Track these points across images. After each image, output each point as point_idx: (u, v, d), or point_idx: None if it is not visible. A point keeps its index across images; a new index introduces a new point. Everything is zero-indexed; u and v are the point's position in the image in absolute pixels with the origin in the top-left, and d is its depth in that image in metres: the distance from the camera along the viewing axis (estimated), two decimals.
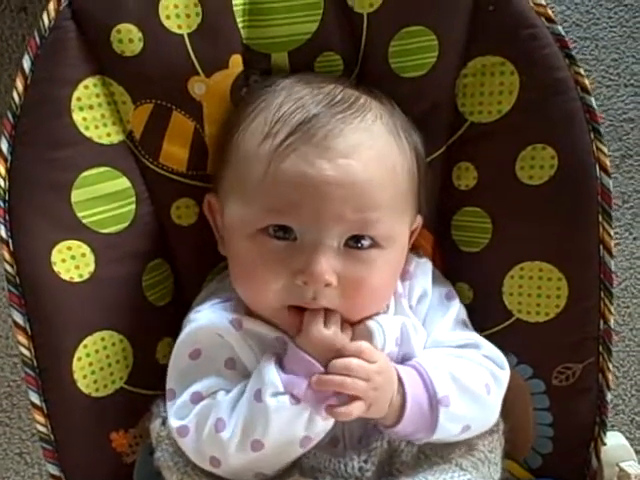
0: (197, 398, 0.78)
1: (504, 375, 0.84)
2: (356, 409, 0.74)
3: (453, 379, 0.79)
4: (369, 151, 0.76)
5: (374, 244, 0.78)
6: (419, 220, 0.86)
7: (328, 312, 0.77)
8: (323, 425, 0.75)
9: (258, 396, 0.75)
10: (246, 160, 0.79)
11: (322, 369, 0.74)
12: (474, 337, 0.86)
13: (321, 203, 0.74)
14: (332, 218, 0.75)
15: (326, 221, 0.75)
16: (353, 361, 0.74)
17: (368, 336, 0.78)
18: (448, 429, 0.78)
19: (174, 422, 0.78)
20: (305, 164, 0.74)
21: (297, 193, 0.75)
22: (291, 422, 0.74)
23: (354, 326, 0.79)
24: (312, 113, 0.76)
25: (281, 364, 0.77)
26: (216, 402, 0.77)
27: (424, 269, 0.88)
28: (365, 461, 0.78)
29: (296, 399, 0.74)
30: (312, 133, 0.75)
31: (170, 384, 0.81)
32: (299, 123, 0.76)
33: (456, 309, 0.88)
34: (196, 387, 0.79)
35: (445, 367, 0.80)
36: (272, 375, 0.75)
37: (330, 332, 0.76)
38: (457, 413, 0.78)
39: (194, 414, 0.77)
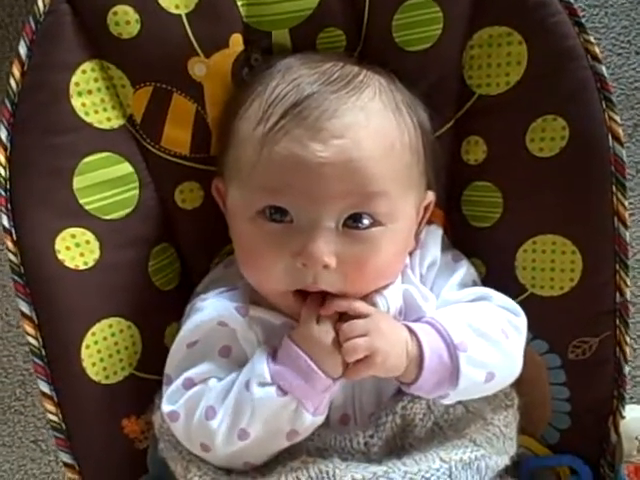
0: (189, 384, 0.79)
1: (520, 322, 0.83)
2: (367, 365, 0.73)
3: (468, 325, 0.79)
4: (364, 130, 0.75)
5: (375, 222, 0.76)
6: (431, 196, 0.85)
7: (328, 301, 0.76)
8: (310, 420, 0.75)
9: (247, 386, 0.75)
10: (242, 144, 0.78)
11: (310, 363, 0.74)
12: (484, 290, 0.85)
13: (315, 183, 0.73)
14: (327, 198, 0.74)
15: (321, 201, 0.74)
16: (343, 325, 0.75)
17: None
18: (472, 376, 0.77)
19: (165, 407, 0.79)
20: (298, 146, 0.73)
21: (289, 174, 0.74)
22: (276, 414, 0.74)
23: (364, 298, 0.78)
24: (305, 94, 0.75)
25: (275, 356, 0.76)
26: (207, 389, 0.78)
27: (434, 236, 0.87)
28: (371, 436, 0.79)
29: (283, 391, 0.74)
30: (305, 115, 0.74)
31: (167, 369, 0.82)
32: (291, 105, 0.74)
33: (464, 270, 0.87)
34: (189, 373, 0.79)
35: (457, 316, 0.80)
36: (261, 366, 0.75)
37: (321, 329, 0.75)
38: (477, 358, 0.77)
39: (184, 400, 0.78)
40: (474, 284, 0.87)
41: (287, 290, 0.77)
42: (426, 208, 0.85)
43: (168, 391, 0.80)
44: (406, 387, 0.77)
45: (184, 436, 0.78)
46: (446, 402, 0.79)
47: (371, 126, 0.75)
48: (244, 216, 0.78)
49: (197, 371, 0.79)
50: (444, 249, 0.88)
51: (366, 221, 0.76)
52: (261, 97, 0.78)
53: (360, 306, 0.76)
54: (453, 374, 0.76)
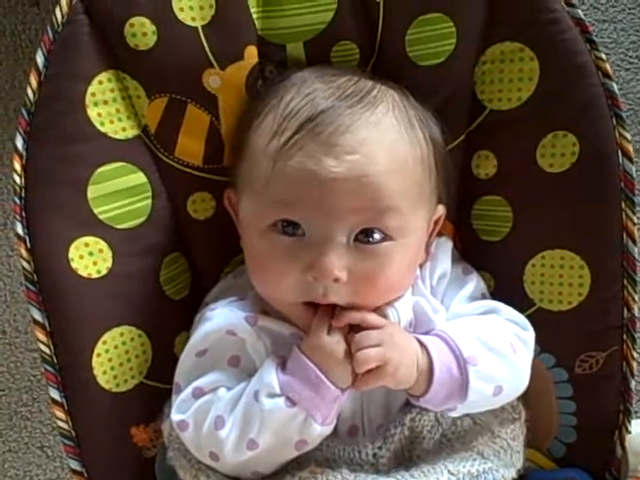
0: (199, 393, 0.79)
1: (528, 336, 0.83)
2: (378, 376, 0.73)
3: (477, 339, 0.79)
4: (377, 145, 0.75)
5: (386, 237, 0.76)
6: (441, 210, 0.85)
7: (340, 313, 0.76)
8: (319, 430, 0.75)
9: (256, 396, 0.75)
10: (255, 158, 0.78)
11: (319, 374, 0.74)
12: (493, 303, 0.85)
13: (327, 198, 0.74)
14: (339, 213, 0.74)
15: (333, 216, 0.74)
16: (355, 335, 0.75)
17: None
18: (481, 390, 0.77)
19: (175, 416, 0.79)
20: (311, 162, 0.73)
21: (303, 189, 0.74)
22: (285, 425, 0.74)
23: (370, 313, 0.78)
24: (320, 109, 0.75)
25: (284, 366, 0.77)
26: (216, 398, 0.78)
27: (444, 249, 0.87)
28: (379, 447, 0.78)
29: (292, 402, 0.74)
30: (319, 130, 0.74)
31: (177, 378, 0.82)
32: (306, 120, 0.75)
33: (474, 283, 0.87)
34: (198, 382, 0.79)
35: (467, 330, 0.80)
36: (270, 376, 0.75)
37: (332, 340, 0.75)
38: (486, 372, 0.77)
39: (194, 409, 0.78)
40: (483, 297, 0.88)
41: (297, 302, 0.77)
42: (436, 222, 0.85)
43: (177, 400, 0.80)
44: (415, 400, 0.78)
45: (193, 445, 0.78)
46: (453, 415, 0.79)
47: (384, 142, 0.76)
48: (256, 228, 0.78)
49: (206, 380, 0.79)
50: (454, 261, 0.88)
51: (377, 236, 0.76)
52: (275, 111, 0.78)
53: (372, 318, 0.77)
54: (462, 388, 0.76)
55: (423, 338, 0.78)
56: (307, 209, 0.74)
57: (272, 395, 0.75)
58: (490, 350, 0.79)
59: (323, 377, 0.74)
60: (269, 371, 0.76)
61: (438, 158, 0.82)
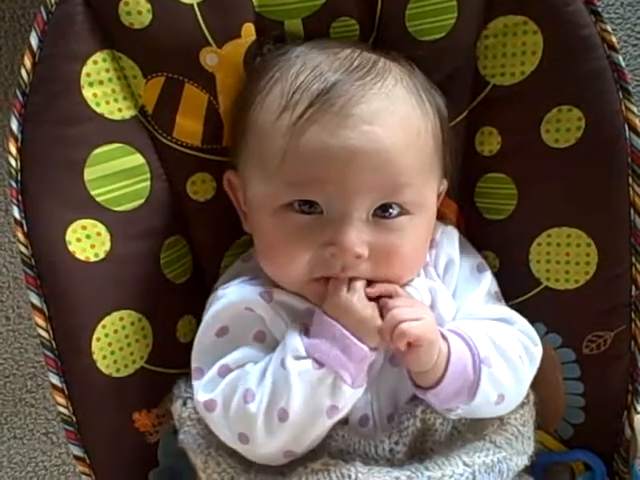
0: (225, 371, 0.77)
1: (537, 351, 0.82)
2: (416, 327, 0.72)
3: (492, 342, 0.78)
4: (392, 116, 0.74)
5: (403, 211, 0.76)
6: (445, 184, 0.85)
7: (352, 278, 0.76)
8: (350, 393, 0.74)
9: (283, 363, 0.74)
10: (264, 135, 0.77)
11: (345, 332, 0.73)
12: (508, 312, 0.84)
13: (346, 175, 0.73)
14: (358, 189, 0.73)
15: (352, 193, 0.73)
16: (394, 302, 0.74)
17: None
18: (487, 394, 0.76)
19: (201, 396, 0.77)
20: (327, 135, 0.72)
21: (321, 167, 0.73)
22: (314, 388, 0.73)
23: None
24: (331, 81, 0.74)
25: (307, 332, 0.76)
26: (244, 373, 0.76)
27: (450, 237, 0.86)
28: (396, 442, 0.77)
29: (319, 363, 0.73)
30: (332, 102, 0.73)
31: (196, 363, 0.80)
32: (318, 93, 0.74)
33: (488, 282, 0.86)
34: (224, 360, 0.78)
35: (483, 331, 0.79)
36: (295, 341, 0.75)
37: (354, 297, 0.74)
38: (497, 377, 0.76)
39: (222, 386, 0.76)
40: (496, 295, 0.86)
41: (311, 279, 0.76)
42: (438, 196, 0.84)
43: (203, 381, 0.78)
44: (422, 392, 0.76)
45: (222, 426, 0.76)
46: (451, 416, 0.78)
47: (397, 113, 0.75)
48: (267, 209, 0.77)
49: (233, 357, 0.78)
50: (467, 255, 0.87)
51: (395, 210, 0.76)
52: (282, 84, 0.77)
53: (405, 293, 0.76)
54: (472, 387, 0.75)
55: (442, 329, 0.76)
56: (326, 188, 0.74)
57: (298, 358, 0.73)
58: (503, 356, 0.78)
59: (348, 334, 0.73)
60: (293, 336, 0.75)
61: (444, 129, 0.82)
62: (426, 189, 0.79)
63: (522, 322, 0.83)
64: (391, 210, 0.76)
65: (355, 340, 0.73)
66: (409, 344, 0.72)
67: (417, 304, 0.76)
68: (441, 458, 0.76)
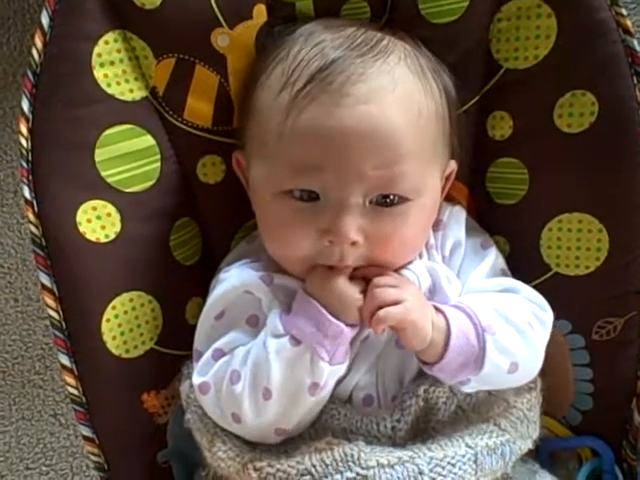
0: (218, 354, 0.78)
1: (547, 317, 0.81)
2: (395, 312, 0.72)
3: (495, 311, 0.77)
4: (391, 95, 0.73)
5: (402, 198, 0.75)
6: (453, 165, 0.84)
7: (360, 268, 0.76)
8: (329, 370, 0.74)
9: (264, 343, 0.75)
10: (265, 113, 0.77)
11: (321, 308, 0.73)
12: (513, 282, 0.84)
13: (342, 161, 0.72)
14: (354, 176, 0.73)
15: (349, 180, 0.73)
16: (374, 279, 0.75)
17: None
18: (497, 362, 0.75)
19: (196, 379, 0.78)
20: (324, 115, 0.72)
21: (316, 148, 0.73)
22: (293, 365, 0.73)
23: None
24: (331, 58, 0.74)
25: (289, 311, 0.76)
26: (233, 356, 0.77)
27: (457, 218, 0.86)
28: (398, 420, 0.77)
29: (296, 340, 0.73)
30: (330, 80, 0.72)
31: (196, 345, 0.81)
32: (317, 70, 0.73)
33: (492, 257, 0.85)
34: (218, 344, 0.79)
35: (485, 302, 0.78)
36: (275, 319, 0.75)
37: (333, 276, 0.75)
38: (504, 344, 0.76)
39: (215, 370, 0.77)
40: (502, 273, 0.86)
41: (311, 265, 0.76)
42: (447, 178, 0.84)
43: (199, 364, 0.79)
44: (429, 368, 0.76)
45: (215, 409, 0.77)
46: (466, 389, 0.78)
47: (397, 91, 0.74)
48: (269, 192, 0.77)
49: (225, 341, 0.79)
50: (472, 232, 0.86)
51: (393, 198, 0.75)
52: (283, 63, 0.76)
53: (391, 274, 0.76)
54: (479, 357, 0.75)
55: (439, 305, 0.76)
56: (323, 175, 0.73)
57: (277, 336, 0.74)
58: (508, 323, 0.77)
59: (324, 311, 0.74)
60: (274, 316, 0.76)
61: (452, 111, 0.81)
62: (427, 174, 0.78)
63: (528, 290, 0.82)
64: (390, 198, 0.75)
65: (330, 317, 0.73)
66: (393, 327, 0.73)
67: (402, 284, 0.75)
68: (444, 439, 0.76)
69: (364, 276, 0.76)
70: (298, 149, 0.73)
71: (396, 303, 0.73)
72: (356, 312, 0.74)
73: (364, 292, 0.75)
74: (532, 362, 0.80)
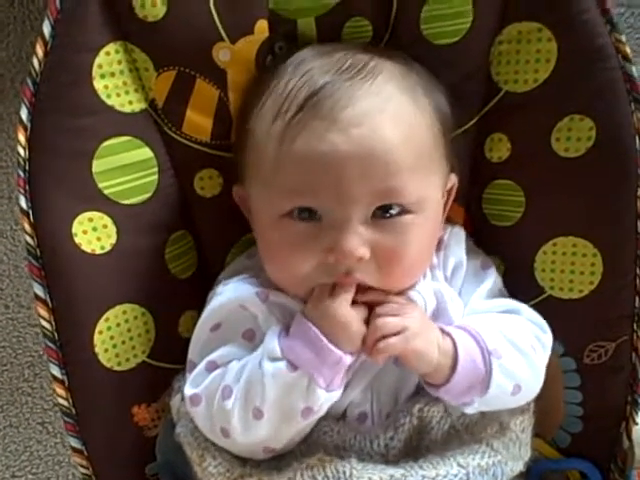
0: (212, 367, 0.78)
1: (547, 339, 0.82)
2: (394, 343, 0.72)
3: (500, 333, 0.78)
4: (381, 115, 0.73)
5: (404, 210, 0.75)
6: (454, 179, 0.84)
7: (366, 291, 0.76)
8: (324, 396, 0.73)
9: (260, 363, 0.74)
10: (261, 142, 0.77)
11: (320, 335, 0.73)
12: (513, 303, 0.84)
13: (339, 181, 0.72)
14: (353, 194, 0.73)
15: (347, 198, 0.73)
16: (377, 308, 0.74)
17: None
18: (502, 385, 0.76)
19: (188, 390, 0.78)
20: (316, 140, 0.72)
21: (313, 174, 0.73)
22: (288, 390, 0.73)
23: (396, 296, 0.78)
24: (319, 85, 0.74)
25: (288, 333, 0.76)
26: (227, 370, 0.77)
27: (458, 238, 0.86)
28: (391, 438, 0.77)
29: (293, 366, 0.73)
30: (320, 105, 0.73)
31: (190, 356, 0.81)
32: (307, 97, 0.73)
33: (492, 278, 0.85)
34: (212, 356, 0.78)
35: (490, 324, 0.79)
36: (272, 342, 0.75)
37: (334, 303, 0.74)
38: (509, 367, 0.76)
39: (207, 382, 0.77)
40: (500, 293, 0.86)
41: (314, 286, 0.76)
42: (449, 192, 0.84)
43: (192, 375, 0.79)
44: (434, 389, 0.76)
45: (205, 421, 0.77)
46: (469, 411, 0.77)
47: (388, 111, 0.74)
48: (270, 218, 0.77)
49: (220, 354, 0.78)
50: (472, 254, 0.86)
51: (395, 210, 0.75)
52: (274, 94, 0.77)
53: (396, 298, 0.76)
54: (485, 380, 0.75)
55: (445, 327, 0.76)
56: (321, 196, 0.73)
57: (274, 359, 0.74)
58: (513, 346, 0.78)
59: (323, 338, 0.73)
60: (271, 337, 0.75)
61: (445, 126, 0.81)
62: (426, 186, 0.77)
63: (529, 312, 0.83)
64: (391, 210, 0.75)
65: (329, 344, 0.73)
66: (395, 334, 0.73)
67: (405, 310, 0.75)
68: (436, 458, 0.76)
69: (366, 302, 0.76)
70: (294, 174, 0.74)
71: (398, 333, 0.72)
72: (357, 341, 0.74)
73: (366, 321, 0.75)
74: (534, 384, 0.80)
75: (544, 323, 0.82)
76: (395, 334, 0.72)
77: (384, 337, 0.72)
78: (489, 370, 0.75)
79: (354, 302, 0.75)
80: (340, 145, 0.72)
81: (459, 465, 0.74)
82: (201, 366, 0.78)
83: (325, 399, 0.74)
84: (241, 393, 0.74)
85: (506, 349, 0.77)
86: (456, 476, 0.74)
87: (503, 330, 0.78)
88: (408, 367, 0.75)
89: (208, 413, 0.76)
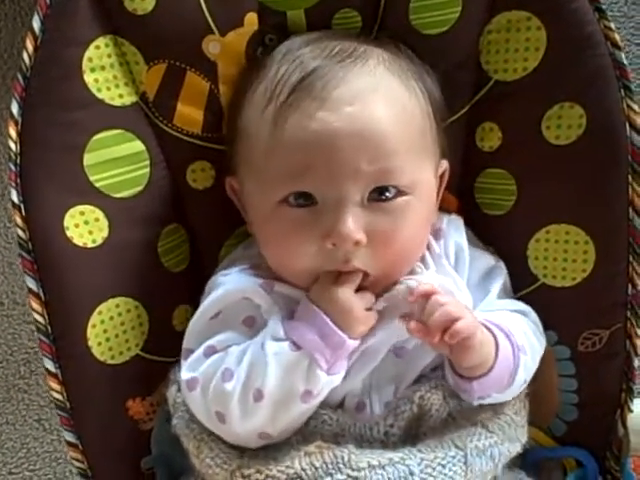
0: (210, 351, 0.78)
1: (544, 342, 0.84)
2: (469, 326, 0.72)
3: (523, 332, 0.80)
4: (374, 94, 0.74)
5: (399, 192, 0.76)
6: (445, 165, 0.84)
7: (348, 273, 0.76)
8: (325, 380, 0.74)
9: (262, 345, 0.75)
10: (253, 130, 0.78)
11: (325, 318, 0.74)
12: (522, 304, 0.85)
13: (333, 160, 0.72)
14: (348, 173, 0.73)
15: (343, 178, 0.73)
16: (436, 301, 0.73)
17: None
18: (520, 380, 0.79)
19: (185, 374, 0.78)
20: (308, 120, 0.72)
21: (306, 153, 0.73)
22: (289, 370, 0.73)
23: (394, 285, 0.78)
24: (311, 68, 0.75)
25: (292, 317, 0.77)
26: (227, 354, 0.77)
27: (456, 225, 0.86)
28: (391, 425, 0.78)
29: (296, 346, 0.73)
30: (312, 87, 0.73)
31: (187, 344, 0.81)
32: (299, 80, 0.74)
33: (499, 285, 0.85)
34: (211, 341, 0.78)
35: (514, 321, 0.80)
36: (276, 324, 0.75)
37: (340, 288, 0.75)
38: (528, 365, 0.79)
39: (205, 366, 0.77)
40: (510, 291, 0.87)
41: (317, 275, 0.77)
42: (442, 177, 0.84)
43: (189, 360, 0.79)
44: (466, 381, 0.76)
45: (200, 405, 0.77)
46: (480, 402, 0.78)
47: (380, 90, 0.75)
48: (266, 207, 0.77)
49: (219, 339, 0.78)
50: (477, 250, 0.87)
51: (390, 193, 0.75)
52: (266, 81, 0.77)
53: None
54: (512, 375, 0.77)
55: (487, 324, 0.77)
56: (316, 177, 0.73)
57: (277, 339, 0.74)
58: (530, 344, 0.80)
59: (328, 320, 0.74)
60: (275, 320, 0.76)
61: (436, 111, 0.81)
62: (421, 168, 0.78)
63: (534, 315, 0.85)
64: (387, 193, 0.75)
65: (334, 327, 0.74)
66: (456, 344, 0.72)
67: (458, 302, 0.76)
68: (434, 442, 0.76)
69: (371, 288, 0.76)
70: (287, 156, 0.74)
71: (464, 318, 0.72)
72: (361, 328, 0.75)
73: (370, 308, 0.76)
74: (528, 380, 0.82)
75: (540, 324, 0.85)
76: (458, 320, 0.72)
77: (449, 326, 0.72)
78: (517, 365, 0.76)
79: (359, 288, 0.76)
80: (332, 123, 0.72)
81: (457, 447, 0.75)
82: (199, 351, 0.78)
83: (325, 382, 0.74)
84: (243, 375, 0.74)
85: (528, 346, 0.79)
86: (454, 457, 0.74)
87: (524, 329, 0.80)
88: (457, 359, 0.74)
89: (204, 396, 0.76)
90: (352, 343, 0.75)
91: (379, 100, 0.74)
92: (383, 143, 0.73)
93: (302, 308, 0.76)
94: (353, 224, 0.73)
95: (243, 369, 0.74)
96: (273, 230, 0.78)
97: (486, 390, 0.77)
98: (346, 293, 0.75)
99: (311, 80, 0.73)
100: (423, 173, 0.78)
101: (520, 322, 0.82)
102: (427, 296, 0.73)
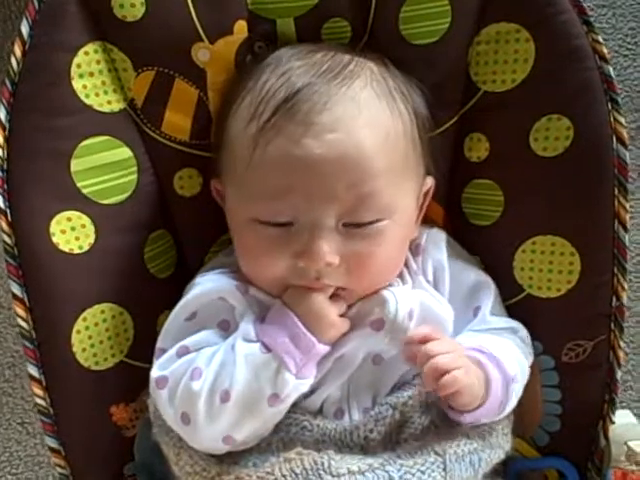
0: (183, 352, 0.78)
1: (532, 358, 0.85)
2: (461, 376, 0.72)
3: (516, 359, 0.80)
4: (356, 120, 0.74)
5: (377, 218, 0.76)
6: (430, 182, 0.84)
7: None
8: (293, 383, 0.74)
9: (233, 346, 0.75)
10: (235, 142, 0.78)
11: (296, 321, 0.74)
12: (512, 321, 0.86)
13: (312, 184, 0.73)
14: (325, 198, 0.73)
15: (320, 202, 0.73)
16: (428, 344, 0.73)
17: (381, 304, 0.77)
18: (511, 406, 0.80)
19: (155, 372, 0.78)
20: (291, 144, 0.73)
21: (287, 177, 0.73)
22: (258, 372, 0.73)
23: (368, 296, 0.78)
24: (296, 88, 0.74)
25: (264, 320, 0.77)
26: (199, 354, 0.77)
27: (435, 240, 0.86)
28: (371, 430, 0.78)
29: (267, 348, 0.74)
30: (296, 110, 0.73)
31: (160, 344, 0.80)
32: (283, 100, 0.74)
33: (489, 303, 0.85)
34: (185, 342, 0.78)
35: (506, 348, 0.81)
36: (248, 326, 0.76)
37: (313, 293, 0.75)
38: (518, 391, 0.80)
39: (176, 366, 0.77)
40: (501, 307, 0.87)
41: (286, 286, 0.77)
42: (426, 194, 0.84)
43: (160, 359, 0.78)
44: (457, 414, 0.77)
45: (167, 404, 0.76)
46: (464, 421, 0.78)
47: (363, 117, 0.74)
48: (242, 218, 0.77)
49: (193, 340, 0.78)
50: (462, 257, 0.87)
51: (367, 219, 0.75)
52: (252, 93, 0.77)
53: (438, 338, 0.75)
54: (502, 405, 0.78)
55: (481, 357, 0.77)
56: (293, 200, 0.74)
57: (248, 341, 0.75)
58: (522, 370, 0.81)
59: (299, 323, 0.74)
60: (247, 322, 0.77)
61: (422, 130, 0.81)
62: (399, 193, 0.78)
63: (523, 330, 0.86)
64: (364, 219, 0.75)
65: (305, 330, 0.74)
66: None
67: (452, 346, 0.76)
68: (414, 448, 0.76)
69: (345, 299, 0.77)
70: (268, 177, 0.74)
71: (458, 368, 0.72)
72: (332, 333, 0.75)
73: (342, 315, 0.76)
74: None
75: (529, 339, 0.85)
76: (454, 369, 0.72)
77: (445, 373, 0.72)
78: (509, 397, 0.78)
79: (335, 295, 0.77)
80: (314, 149, 0.72)
81: (436, 453, 0.75)
82: (172, 351, 0.78)
83: (293, 386, 0.74)
84: (211, 374, 0.74)
85: (520, 374, 0.80)
86: (433, 464, 0.74)
87: (516, 355, 0.81)
88: (451, 402, 0.75)
89: (172, 396, 0.76)
90: (322, 347, 0.75)
91: (362, 126, 0.74)
92: (362, 169, 0.73)
93: (275, 311, 0.77)
94: (327, 247, 0.73)
95: (212, 369, 0.74)
96: (246, 242, 0.78)
97: (477, 418, 0.77)
98: (320, 298, 0.75)
99: (295, 102, 0.73)
100: (403, 198, 0.78)
101: (512, 348, 0.82)
102: (422, 342, 0.74)
